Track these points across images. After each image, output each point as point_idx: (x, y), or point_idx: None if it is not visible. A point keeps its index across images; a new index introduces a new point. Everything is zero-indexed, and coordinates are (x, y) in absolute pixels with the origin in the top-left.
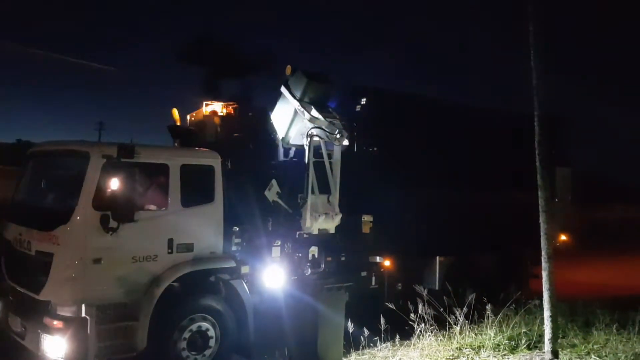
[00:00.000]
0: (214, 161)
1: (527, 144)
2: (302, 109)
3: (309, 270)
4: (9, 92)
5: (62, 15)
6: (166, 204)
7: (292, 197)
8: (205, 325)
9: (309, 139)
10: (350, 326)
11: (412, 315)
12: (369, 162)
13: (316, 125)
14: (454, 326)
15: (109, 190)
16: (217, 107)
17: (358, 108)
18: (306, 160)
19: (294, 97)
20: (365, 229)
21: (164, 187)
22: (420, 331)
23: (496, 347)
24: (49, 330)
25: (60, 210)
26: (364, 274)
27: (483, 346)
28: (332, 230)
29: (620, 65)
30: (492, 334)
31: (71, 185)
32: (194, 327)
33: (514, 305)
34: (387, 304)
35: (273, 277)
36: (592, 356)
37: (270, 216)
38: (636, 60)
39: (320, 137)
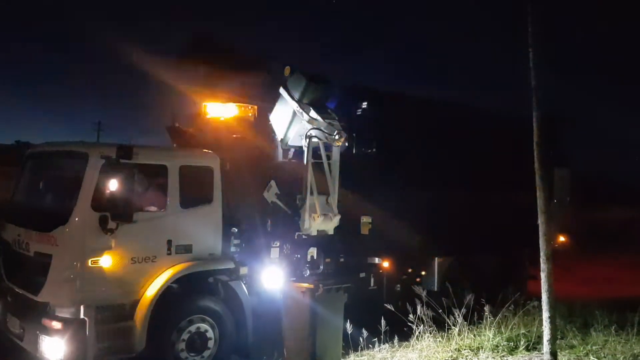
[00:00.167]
0: (213, 162)
1: (526, 144)
2: (301, 110)
3: (308, 272)
4: (9, 92)
5: (57, 14)
6: (165, 205)
7: (290, 198)
8: (204, 326)
9: (307, 140)
10: (349, 327)
11: (410, 316)
12: (367, 163)
13: (315, 127)
14: (452, 327)
15: (108, 191)
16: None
17: (359, 112)
18: (305, 161)
19: (293, 98)
20: (364, 230)
21: (162, 188)
22: (419, 332)
23: (495, 348)
24: (47, 331)
25: (58, 211)
26: (362, 275)
27: (482, 347)
28: (331, 232)
29: (621, 65)
30: (491, 335)
31: (70, 186)
32: (192, 328)
33: (512, 306)
34: (385, 305)
35: (272, 278)
36: (591, 357)
37: (269, 217)
38: (636, 60)
39: (319, 138)
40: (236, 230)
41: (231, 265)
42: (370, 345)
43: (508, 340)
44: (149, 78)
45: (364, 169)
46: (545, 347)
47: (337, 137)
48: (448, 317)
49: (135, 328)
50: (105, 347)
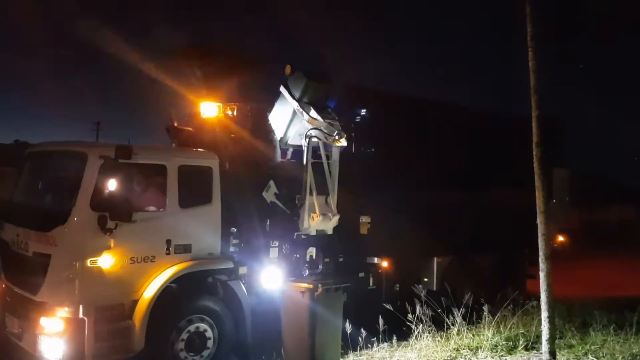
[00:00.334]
0: (212, 162)
1: (526, 144)
2: (301, 110)
3: (307, 271)
4: (8, 92)
5: (58, 14)
6: (164, 205)
7: (290, 198)
8: (203, 326)
9: (307, 139)
10: (348, 327)
11: (409, 316)
12: (367, 163)
13: (315, 127)
14: (451, 327)
15: (107, 191)
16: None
17: (358, 119)
18: (304, 161)
19: (293, 97)
20: (363, 230)
21: (161, 188)
22: (418, 332)
23: (494, 347)
24: (46, 331)
25: (57, 211)
26: (361, 274)
27: (480, 347)
28: (330, 231)
29: (620, 65)
30: (490, 335)
31: (69, 186)
32: (191, 328)
33: (511, 305)
34: (384, 304)
35: (271, 278)
36: (590, 357)
37: (268, 217)
38: (636, 60)
39: (318, 138)
40: (235, 230)
41: (230, 265)
42: (369, 345)
43: (507, 339)
44: (148, 78)
45: (364, 169)
46: (544, 346)
47: (337, 137)
48: (447, 317)
49: (134, 328)
50: (104, 347)
